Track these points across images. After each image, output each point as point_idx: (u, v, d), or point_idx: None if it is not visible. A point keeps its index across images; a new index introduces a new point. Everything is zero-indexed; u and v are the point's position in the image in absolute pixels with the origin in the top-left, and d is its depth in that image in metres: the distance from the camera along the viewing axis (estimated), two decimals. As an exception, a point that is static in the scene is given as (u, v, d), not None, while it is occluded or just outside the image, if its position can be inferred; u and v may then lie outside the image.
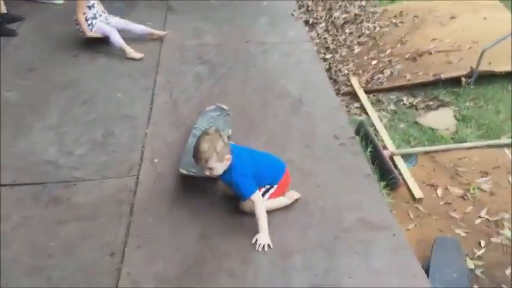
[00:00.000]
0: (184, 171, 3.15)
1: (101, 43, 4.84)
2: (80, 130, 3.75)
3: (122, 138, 3.66)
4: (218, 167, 2.68)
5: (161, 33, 5.03)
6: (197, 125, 3.60)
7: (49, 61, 4.66)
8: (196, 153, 2.64)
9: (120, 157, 3.48)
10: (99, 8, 4.76)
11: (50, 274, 2.65)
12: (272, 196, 2.92)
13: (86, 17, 4.63)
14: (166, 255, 2.75)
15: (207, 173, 2.71)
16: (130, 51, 4.68)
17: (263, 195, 2.87)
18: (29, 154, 3.51)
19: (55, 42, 4.97)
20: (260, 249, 2.75)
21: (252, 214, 2.80)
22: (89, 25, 4.66)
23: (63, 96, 4.14)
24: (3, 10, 5.23)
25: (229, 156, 2.69)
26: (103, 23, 4.71)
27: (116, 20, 4.85)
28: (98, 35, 4.70)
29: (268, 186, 2.92)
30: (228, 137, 3.21)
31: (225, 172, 2.74)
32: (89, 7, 4.64)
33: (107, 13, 4.84)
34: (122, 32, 4.75)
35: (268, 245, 2.77)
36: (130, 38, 4.83)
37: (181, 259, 2.72)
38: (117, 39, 4.66)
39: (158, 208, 3.05)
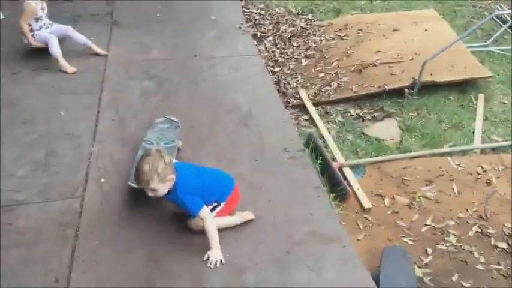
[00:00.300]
0: (133, 184, 3.06)
1: (43, 59, 4.70)
2: (20, 151, 3.60)
3: (65, 158, 3.54)
4: (161, 188, 2.64)
5: (100, 51, 4.92)
6: (147, 137, 3.55)
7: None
8: (138, 175, 2.61)
9: (64, 178, 3.36)
10: (46, 20, 4.71)
11: (-11, 305, 2.51)
12: (220, 214, 2.88)
13: (31, 28, 4.61)
14: (115, 279, 2.66)
15: (151, 194, 2.66)
16: (64, 64, 4.61)
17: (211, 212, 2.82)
18: (-34, 177, 3.34)
19: (-5, 59, 4.78)
20: (212, 266, 2.71)
21: (200, 232, 2.77)
22: (32, 35, 4.64)
23: (2, 116, 3.96)
24: None
25: (172, 176, 2.65)
26: (45, 32, 4.68)
27: (57, 26, 4.80)
28: (41, 44, 4.66)
29: (215, 204, 2.88)
30: (179, 148, 3.51)
31: (169, 192, 2.69)
32: (36, 19, 4.61)
33: (53, 25, 4.80)
34: (64, 40, 4.75)
35: (221, 260, 2.74)
36: (73, 51, 4.70)
37: (130, 283, 2.64)
38: (54, 48, 4.60)
39: (105, 230, 2.95)
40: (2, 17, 5.55)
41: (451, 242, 3.42)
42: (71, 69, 4.60)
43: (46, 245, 2.85)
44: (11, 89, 4.33)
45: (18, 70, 4.64)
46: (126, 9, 5.75)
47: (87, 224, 2.99)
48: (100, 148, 3.64)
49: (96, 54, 4.86)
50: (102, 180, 3.34)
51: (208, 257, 2.75)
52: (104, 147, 3.65)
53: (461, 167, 4.03)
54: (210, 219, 2.71)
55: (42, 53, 4.86)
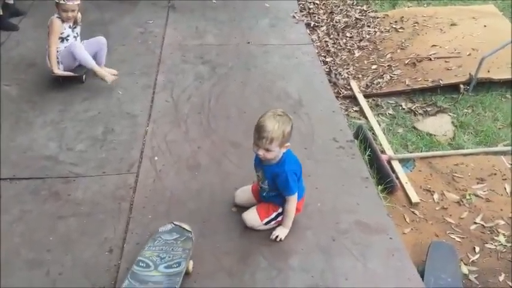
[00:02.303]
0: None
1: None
2: (80, 126, 3.76)
3: (122, 136, 3.67)
4: (275, 152, 2.52)
5: (107, 76, 4.12)
6: (141, 255, 2.51)
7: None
8: (263, 131, 2.44)
9: (120, 154, 3.49)
10: (73, 40, 4.11)
11: (48, 268, 2.65)
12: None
13: (58, 50, 4.05)
14: (165, 252, 2.75)
15: (260, 153, 2.52)
16: (101, 72, 4.09)
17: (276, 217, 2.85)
18: (29, 149, 3.51)
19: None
20: (273, 238, 2.79)
21: (249, 229, 2.86)
22: (58, 62, 4.08)
23: (63, 93, 4.14)
24: (10, 0, 5.22)
25: (288, 144, 2.58)
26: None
27: (88, 42, 4.20)
28: (67, 73, 4.13)
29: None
30: (187, 273, 2.53)
31: (272, 163, 2.64)
32: (62, 39, 4.06)
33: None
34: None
35: (281, 239, 2.80)
36: (130, 35, 4.83)
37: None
38: (82, 54, 3.99)
39: (157, 206, 3.06)
40: None
41: (500, 242, 3.37)
42: (110, 77, 4.10)
43: (102, 217, 2.97)
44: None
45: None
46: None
47: (141, 199, 3.10)
48: (154, 128, 3.75)
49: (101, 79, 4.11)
50: (156, 158, 3.45)
51: (276, 230, 2.82)
52: (158, 127, 3.76)
53: (515, 166, 3.94)
54: (295, 203, 2.73)
55: (101, 33, 5.03)
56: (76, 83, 4.23)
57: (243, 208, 2.94)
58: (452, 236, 3.40)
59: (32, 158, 3.43)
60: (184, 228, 2.68)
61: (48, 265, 2.68)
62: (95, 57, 4.13)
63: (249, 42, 5.02)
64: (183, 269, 2.43)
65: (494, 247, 3.33)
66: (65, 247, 2.78)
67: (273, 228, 2.86)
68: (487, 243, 3.36)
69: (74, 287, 2.57)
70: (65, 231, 2.89)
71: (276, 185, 2.69)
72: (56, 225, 2.91)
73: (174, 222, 2.72)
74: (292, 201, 2.71)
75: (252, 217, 2.85)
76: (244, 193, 3.02)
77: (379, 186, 3.60)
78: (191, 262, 2.57)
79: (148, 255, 2.51)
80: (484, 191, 3.74)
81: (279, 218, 2.85)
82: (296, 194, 2.69)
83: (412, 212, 3.60)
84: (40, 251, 2.75)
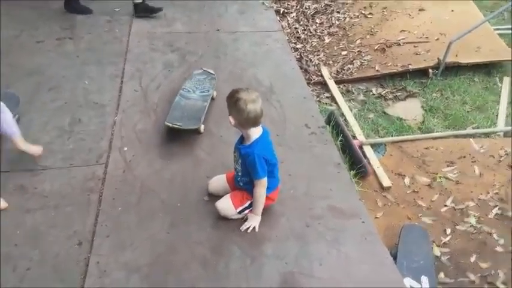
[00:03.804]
0: (169, 124, 3.36)
1: (67, 28, 4.75)
2: (46, 117, 3.65)
3: (90, 126, 3.58)
4: (232, 122, 2.57)
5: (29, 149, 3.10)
6: (185, 86, 3.85)
7: (14, 47, 4.51)
8: (260, 115, 2.53)
9: (88, 145, 3.40)
10: None
11: (15, 263, 2.57)
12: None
13: None
14: (136, 244, 2.71)
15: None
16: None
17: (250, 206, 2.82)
18: (-7, 142, 3.40)
19: (19, 27, 4.81)
20: (244, 229, 2.78)
21: (222, 218, 2.83)
22: None
23: (28, 83, 4.01)
24: None
25: (253, 128, 2.60)
26: None
27: None
28: None
29: None
30: (213, 98, 3.83)
31: (244, 143, 2.65)
32: None
33: None
34: None
35: (254, 228, 2.78)
36: (96, 24, 4.71)
37: (151, 248, 2.69)
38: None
39: (127, 197, 3.00)
40: None
41: (470, 223, 3.42)
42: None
43: (70, 209, 2.90)
44: (37, 57, 4.36)
45: (42, 39, 4.67)
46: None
47: (111, 190, 3.04)
48: (123, 117, 3.67)
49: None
50: (125, 149, 3.38)
51: (246, 219, 2.80)
52: (127, 117, 3.68)
53: (483, 149, 4.01)
54: (264, 188, 2.69)
55: (66, 21, 4.91)
56: (41, 74, 4.11)
57: (216, 197, 2.90)
58: (424, 219, 3.44)
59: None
60: (210, 72, 4.04)
61: (16, 260, 2.60)
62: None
63: (218, 30, 4.95)
64: (211, 93, 3.81)
65: (465, 229, 3.39)
66: (33, 241, 2.71)
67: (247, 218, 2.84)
68: (458, 225, 3.41)
69: (42, 282, 2.51)
70: (32, 224, 2.81)
71: (246, 167, 2.68)
72: (23, 219, 2.83)
73: (203, 68, 4.09)
74: (260, 186, 2.68)
75: (225, 205, 2.81)
76: (217, 181, 2.99)
77: (352, 172, 3.61)
78: (215, 92, 3.87)
79: (189, 86, 3.85)
80: (454, 174, 3.79)
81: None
82: (264, 179, 2.66)
83: (384, 196, 3.63)
84: (7, 246, 2.67)
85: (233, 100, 2.51)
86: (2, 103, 2.88)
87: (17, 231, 2.75)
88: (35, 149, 3.12)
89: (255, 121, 2.54)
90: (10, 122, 2.94)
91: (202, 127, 3.52)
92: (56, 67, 4.23)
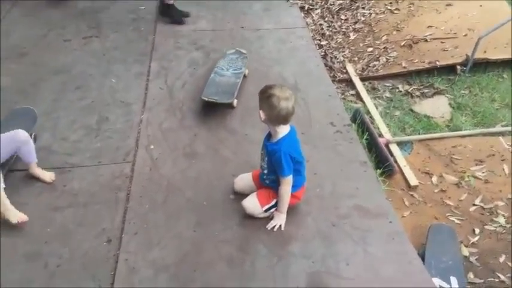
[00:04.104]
0: (205, 98, 3.65)
1: (94, 27, 4.80)
2: (73, 116, 3.70)
3: (117, 124, 3.62)
4: (262, 116, 2.56)
5: (47, 178, 3.12)
6: (218, 64, 4.12)
7: (41, 46, 4.59)
8: (291, 113, 2.53)
9: (116, 143, 3.44)
10: None
11: (46, 261, 2.62)
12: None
13: None
14: (164, 242, 2.73)
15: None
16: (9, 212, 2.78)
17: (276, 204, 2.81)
18: (22, 140, 3.46)
19: (47, 26, 4.89)
20: (271, 228, 2.78)
21: (248, 216, 2.83)
22: None
23: (55, 82, 4.08)
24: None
25: (282, 126, 2.60)
26: None
27: None
28: None
29: None
30: (245, 75, 4.09)
31: (273, 140, 2.65)
32: None
33: None
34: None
35: (281, 226, 2.78)
36: (118, 20, 4.74)
37: (178, 246, 2.71)
38: None
39: (155, 195, 3.03)
40: None
41: (499, 223, 3.36)
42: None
43: (99, 207, 2.94)
44: (63, 56, 4.43)
45: (69, 38, 4.73)
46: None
47: (138, 188, 3.07)
48: (149, 116, 3.70)
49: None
50: (152, 147, 3.41)
51: (272, 217, 2.80)
52: (153, 115, 3.71)
53: (513, 147, 3.93)
54: (290, 186, 2.68)
55: (92, 20, 4.97)
56: (68, 72, 4.17)
57: (242, 196, 2.91)
58: (452, 219, 3.39)
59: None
60: (242, 51, 4.30)
61: (46, 257, 2.65)
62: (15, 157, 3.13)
63: (243, 27, 4.95)
64: (243, 71, 4.06)
65: (494, 228, 3.33)
66: (63, 239, 2.75)
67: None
68: (486, 224, 3.35)
69: (73, 279, 2.55)
70: (62, 222, 2.86)
71: (272, 165, 2.67)
72: (52, 217, 2.88)
73: (236, 48, 4.34)
74: (285, 184, 2.67)
75: (252, 204, 2.81)
76: (243, 180, 2.99)
77: (378, 170, 3.57)
78: (247, 70, 4.14)
79: (222, 64, 4.11)
80: (483, 173, 3.72)
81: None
82: (290, 177, 2.65)
83: (411, 195, 3.58)
84: (37, 243, 2.72)
85: (266, 95, 2.50)
86: (28, 135, 3.01)
87: (47, 229, 2.80)
88: (48, 176, 3.13)
89: (285, 119, 2.54)
90: (32, 151, 3.05)
91: (235, 101, 3.77)
92: (83, 65, 4.28)
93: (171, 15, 4.94)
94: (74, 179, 3.15)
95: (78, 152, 3.37)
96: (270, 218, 2.82)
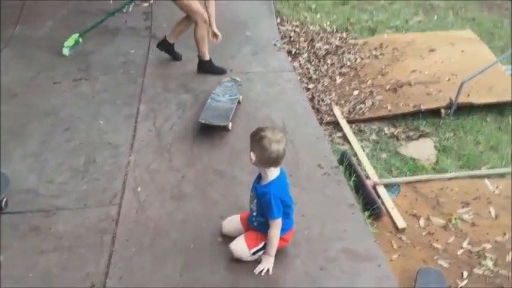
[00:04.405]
0: (203, 121, 3.95)
1: (84, 70, 4.86)
2: (61, 158, 3.69)
3: (104, 166, 3.61)
4: (252, 159, 2.58)
5: None
6: (215, 91, 4.40)
7: (31, 87, 4.62)
8: (283, 154, 2.55)
9: (102, 185, 3.42)
10: None
11: (27, 307, 2.56)
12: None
13: None
14: (150, 286, 2.68)
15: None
16: None
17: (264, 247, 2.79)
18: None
19: (37, 68, 4.93)
20: (258, 272, 2.74)
21: (236, 260, 2.81)
22: None
23: (44, 123, 4.08)
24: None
25: (272, 168, 2.61)
26: None
27: None
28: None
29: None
30: (239, 102, 4.36)
31: (263, 183, 2.66)
32: None
33: None
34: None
35: (268, 270, 2.75)
36: (111, 65, 4.81)
37: (164, 290, 2.67)
38: None
39: (141, 238, 2.99)
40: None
41: (487, 266, 3.35)
42: None
43: (84, 251, 2.90)
44: (53, 98, 4.45)
45: (59, 80, 4.77)
46: (164, 24, 5.85)
47: (124, 231, 3.04)
48: (137, 158, 3.70)
49: None
50: (139, 189, 3.39)
51: (260, 261, 2.77)
52: (141, 157, 3.71)
53: (498, 189, 3.96)
54: (278, 229, 2.67)
55: (82, 63, 5.02)
56: (56, 114, 4.18)
57: (230, 238, 2.89)
58: (440, 262, 3.38)
59: (11, 191, 3.33)
60: (236, 79, 4.57)
61: (28, 303, 2.59)
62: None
63: (231, 70, 5.02)
64: (237, 97, 4.34)
65: (482, 272, 3.31)
66: (46, 283, 2.70)
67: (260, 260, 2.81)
68: (474, 267, 3.34)
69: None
70: (45, 266, 2.80)
71: (261, 207, 2.66)
72: (36, 261, 2.83)
73: (231, 76, 4.65)
74: (274, 227, 2.66)
75: (239, 247, 2.79)
76: (231, 222, 2.97)
77: (366, 212, 3.57)
78: (241, 96, 4.40)
79: (218, 91, 4.38)
80: (470, 215, 3.74)
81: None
82: (279, 220, 2.64)
83: (399, 237, 3.57)
84: (19, 289, 2.66)
85: (257, 137, 2.53)
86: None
87: (29, 273, 2.75)
88: None
89: (276, 161, 2.56)
90: None
91: (230, 124, 4.05)
92: (72, 108, 4.30)
93: (210, 70, 4.96)
94: (59, 221, 3.11)
95: (65, 194, 3.34)
96: (258, 262, 2.79)
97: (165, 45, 5.05)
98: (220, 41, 4.64)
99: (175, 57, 5.14)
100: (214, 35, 4.60)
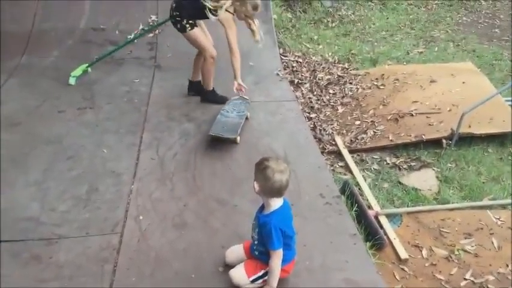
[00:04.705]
0: (213, 134, 4.22)
1: (88, 98, 4.91)
2: (63, 186, 3.70)
3: (106, 195, 3.62)
4: (256, 187, 2.59)
5: None
6: (224, 108, 4.67)
7: (34, 116, 4.66)
8: (286, 184, 2.56)
9: (104, 214, 3.43)
10: None
11: (26, 337, 2.54)
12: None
13: None
14: (150, 317, 2.67)
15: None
16: None
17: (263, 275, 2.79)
18: (10, 210, 3.44)
19: (42, 97, 4.99)
20: None
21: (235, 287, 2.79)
22: None
23: (47, 152, 4.11)
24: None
25: (275, 198, 2.62)
26: None
27: None
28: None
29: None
30: (247, 118, 4.63)
31: (265, 212, 2.66)
32: None
33: None
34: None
35: None
36: (115, 94, 4.87)
37: (164, 322, 2.64)
38: None
39: (142, 267, 2.98)
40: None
41: (490, 298, 3.32)
42: None
43: (84, 280, 2.88)
44: (57, 127, 4.49)
45: (64, 108, 4.82)
46: (168, 54, 5.95)
47: (125, 260, 3.02)
48: (140, 186, 3.71)
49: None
50: (141, 217, 3.39)
51: None
52: (143, 186, 3.72)
53: (501, 221, 3.95)
54: (280, 259, 2.66)
55: (87, 92, 5.08)
56: (60, 142, 4.22)
57: (232, 267, 2.87)
58: (443, 293, 3.35)
59: (13, 220, 3.34)
60: (245, 98, 4.74)
61: (27, 334, 2.56)
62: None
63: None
64: (245, 113, 4.60)
65: (485, 304, 3.28)
66: (45, 313, 2.68)
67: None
68: (478, 300, 3.31)
69: None
70: (46, 296, 2.78)
71: (262, 236, 2.66)
72: (36, 290, 2.81)
73: (240, 95, 4.70)
74: (275, 257, 2.65)
75: (238, 274, 2.78)
76: (234, 252, 2.96)
77: (368, 243, 3.56)
78: (249, 113, 4.65)
79: (228, 108, 4.64)
80: (472, 246, 3.72)
81: (266, 278, 2.77)
82: (280, 250, 2.63)
83: (402, 268, 3.55)
84: (18, 319, 2.64)
85: (261, 167, 2.55)
86: None
87: (30, 303, 2.74)
88: None
89: (279, 191, 2.57)
90: None
91: (238, 138, 4.29)
92: (76, 136, 4.34)
93: (213, 100, 5.00)
94: (60, 250, 3.11)
95: (66, 222, 3.34)
96: None
97: (193, 87, 5.10)
98: (245, 91, 4.69)
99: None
100: (240, 86, 4.62)
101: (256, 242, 2.76)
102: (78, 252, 3.08)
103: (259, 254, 2.76)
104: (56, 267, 2.97)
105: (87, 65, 5.38)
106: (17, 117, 4.60)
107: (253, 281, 2.78)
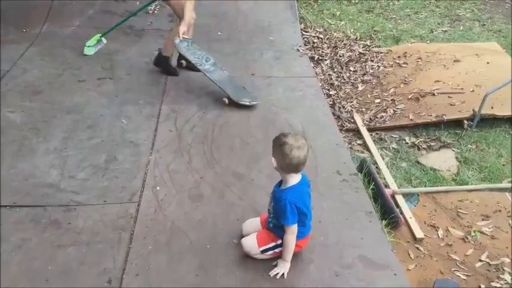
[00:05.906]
0: (245, 101, 4.36)
1: (108, 69, 4.92)
2: (82, 154, 3.74)
3: (124, 164, 3.65)
4: (273, 163, 2.59)
5: None
6: (191, 60, 4.53)
7: (55, 85, 4.70)
8: (303, 163, 2.54)
9: (122, 183, 3.46)
10: None
11: (45, 299, 2.60)
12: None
13: None
14: (165, 285, 2.70)
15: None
16: None
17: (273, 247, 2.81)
18: (31, 176, 3.49)
19: (62, 66, 5.02)
20: (274, 275, 2.74)
21: (251, 261, 2.82)
22: None
23: (67, 120, 4.15)
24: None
25: (292, 174, 2.60)
26: None
27: None
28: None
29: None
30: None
31: (282, 187, 2.66)
32: None
33: None
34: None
35: (283, 274, 2.74)
36: (136, 66, 4.87)
37: (179, 290, 2.68)
38: None
39: (158, 236, 3.02)
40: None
41: (506, 280, 3.29)
42: None
43: (101, 246, 2.93)
44: (77, 96, 4.52)
45: (84, 78, 4.85)
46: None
47: (142, 229, 3.06)
48: (157, 157, 3.74)
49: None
50: (158, 188, 3.42)
51: (276, 265, 2.77)
52: (161, 157, 3.75)
53: (519, 203, 3.90)
54: (294, 234, 2.67)
55: (107, 62, 5.10)
56: (80, 112, 4.26)
57: (247, 237, 2.90)
58: (458, 274, 3.33)
59: (33, 186, 3.40)
60: (186, 38, 4.46)
61: (46, 295, 2.62)
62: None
63: (253, 74, 5.05)
64: (210, 58, 4.63)
65: (500, 286, 3.26)
66: (64, 277, 2.73)
67: (271, 260, 2.81)
68: (492, 281, 3.29)
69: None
70: (64, 260, 2.84)
71: (276, 211, 2.67)
72: (55, 254, 2.87)
73: (176, 40, 4.41)
74: (289, 233, 2.65)
75: (250, 243, 2.81)
76: (251, 224, 2.98)
77: (383, 221, 3.55)
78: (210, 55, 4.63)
79: (194, 59, 4.53)
80: (489, 228, 3.68)
81: (277, 250, 2.80)
82: (294, 226, 2.63)
83: (417, 247, 3.53)
84: (38, 281, 2.70)
85: (279, 143, 2.53)
86: None
87: (48, 266, 2.79)
88: None
89: (296, 168, 2.55)
90: None
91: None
92: (95, 106, 4.37)
93: (166, 69, 4.98)
94: (79, 217, 3.16)
95: (85, 190, 3.39)
96: (274, 265, 2.79)
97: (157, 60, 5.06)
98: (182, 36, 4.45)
99: (174, 70, 5.04)
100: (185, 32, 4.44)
101: (271, 215, 2.77)
102: (96, 220, 3.13)
103: (274, 227, 2.77)
104: (74, 233, 3.02)
105: (100, 34, 5.38)
106: (38, 86, 4.64)
107: (263, 252, 2.80)
